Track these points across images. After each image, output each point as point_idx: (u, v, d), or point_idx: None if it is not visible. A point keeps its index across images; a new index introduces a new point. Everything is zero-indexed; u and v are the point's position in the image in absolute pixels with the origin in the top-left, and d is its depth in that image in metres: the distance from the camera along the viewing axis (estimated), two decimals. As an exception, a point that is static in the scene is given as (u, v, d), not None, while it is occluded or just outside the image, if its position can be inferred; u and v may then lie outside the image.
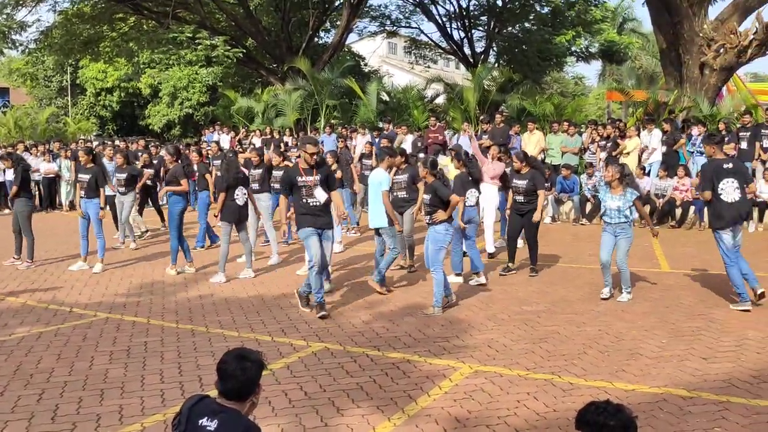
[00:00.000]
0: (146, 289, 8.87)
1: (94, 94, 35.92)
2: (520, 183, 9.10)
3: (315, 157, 7.47)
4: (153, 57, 28.42)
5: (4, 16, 21.88)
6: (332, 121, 20.53)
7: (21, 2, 21.65)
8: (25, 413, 4.88)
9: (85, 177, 9.98)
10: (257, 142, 18.33)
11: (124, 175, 11.69)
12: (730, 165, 7.58)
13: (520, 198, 9.17)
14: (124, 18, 24.17)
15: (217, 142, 17.25)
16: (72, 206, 16.94)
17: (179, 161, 10.39)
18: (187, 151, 15.73)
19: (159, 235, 13.31)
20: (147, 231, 13.14)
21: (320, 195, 7.38)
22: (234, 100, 24.20)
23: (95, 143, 21.08)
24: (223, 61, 24.49)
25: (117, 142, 19.93)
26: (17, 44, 23.98)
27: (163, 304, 8.06)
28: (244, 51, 24.77)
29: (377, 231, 8.55)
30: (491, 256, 10.49)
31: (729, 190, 7.39)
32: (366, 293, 8.44)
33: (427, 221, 7.65)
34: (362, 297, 8.25)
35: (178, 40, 22.73)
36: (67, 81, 37.32)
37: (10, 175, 13.08)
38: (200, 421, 2.79)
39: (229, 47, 23.17)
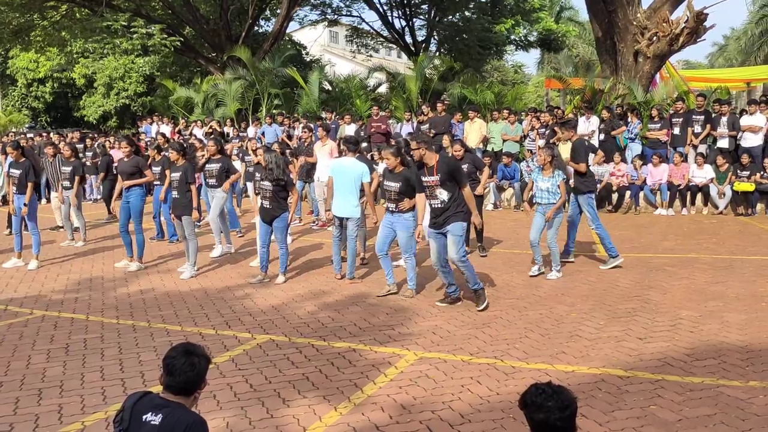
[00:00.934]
0: (85, 285, 8.65)
1: (26, 85, 34.59)
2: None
3: (419, 153, 7.06)
4: (87, 46, 27.49)
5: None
6: (273, 111, 20.32)
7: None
8: (-42, 417, 4.72)
9: (16, 172, 9.64)
10: (198, 133, 18.05)
11: (69, 169, 11.17)
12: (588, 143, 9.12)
13: None
14: (55, 6, 23.38)
15: (163, 134, 16.90)
16: (5, 201, 16.36)
17: (138, 153, 10.22)
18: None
19: (98, 228, 12.98)
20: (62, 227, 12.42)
21: (441, 194, 6.99)
22: (172, 90, 23.72)
23: (29, 135, 20.31)
24: (161, 50, 23.91)
25: (51, 135, 19.32)
26: (-59, 33, 22.98)
27: (102, 299, 7.88)
28: (182, 40, 24.28)
29: (341, 220, 8.49)
30: None
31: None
32: (311, 284, 8.43)
33: (392, 209, 7.64)
34: (308, 288, 8.24)
35: (113, 28, 22.09)
36: (-5, 71, 35.87)
37: None
38: (144, 417, 2.76)
39: (166, 36, 22.66)
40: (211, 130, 17.92)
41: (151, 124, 21.10)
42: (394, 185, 7.61)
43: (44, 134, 21.10)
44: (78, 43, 26.28)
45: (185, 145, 10.92)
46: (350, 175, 8.41)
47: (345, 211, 8.38)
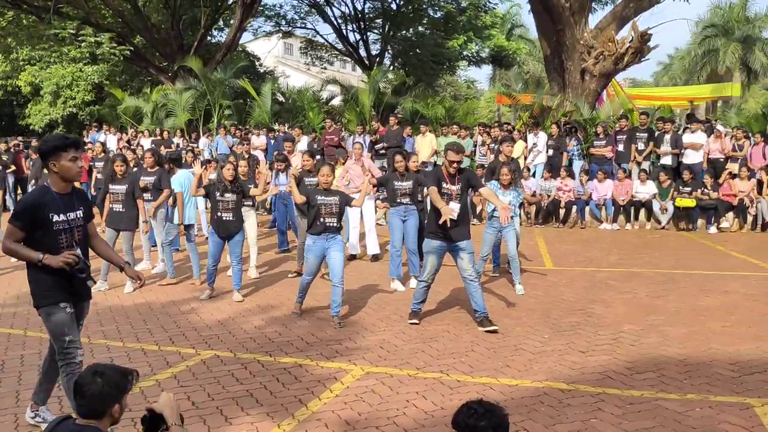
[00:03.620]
0: (24, 298, 8.35)
1: (-32, 92, 33.57)
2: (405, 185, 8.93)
3: (455, 164, 6.89)
4: (33, 54, 26.85)
5: None
6: (224, 123, 20.14)
7: None
8: None
9: None
10: (146, 143, 17.76)
11: None
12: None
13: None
14: (1, 12, 22.76)
15: (103, 143, 16.55)
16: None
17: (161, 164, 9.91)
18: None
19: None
20: None
21: (455, 207, 6.79)
22: (121, 100, 23.32)
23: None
24: (110, 59, 23.51)
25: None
26: None
27: (42, 314, 7.65)
28: (132, 48, 23.92)
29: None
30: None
31: None
32: (259, 298, 8.35)
33: (335, 225, 7.38)
34: (256, 302, 8.16)
35: (61, 36, 21.66)
36: (-64, 78, 34.72)
37: None
38: None
39: (116, 44, 22.29)
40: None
41: (97, 132, 20.67)
42: (330, 200, 7.31)
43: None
44: (24, 50, 25.68)
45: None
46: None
47: None
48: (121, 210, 8.82)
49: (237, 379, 5.56)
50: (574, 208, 14.38)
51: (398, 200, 8.79)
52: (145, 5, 26.64)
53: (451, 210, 6.63)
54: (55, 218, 4.25)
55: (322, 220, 7.22)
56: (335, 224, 7.30)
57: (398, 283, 8.83)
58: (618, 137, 14.89)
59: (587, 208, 14.34)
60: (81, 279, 4.30)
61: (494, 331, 6.74)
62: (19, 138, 23.03)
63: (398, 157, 8.98)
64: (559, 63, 18.57)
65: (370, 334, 6.83)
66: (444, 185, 6.93)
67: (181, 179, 9.53)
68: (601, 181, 14.23)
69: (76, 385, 2.72)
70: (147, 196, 9.55)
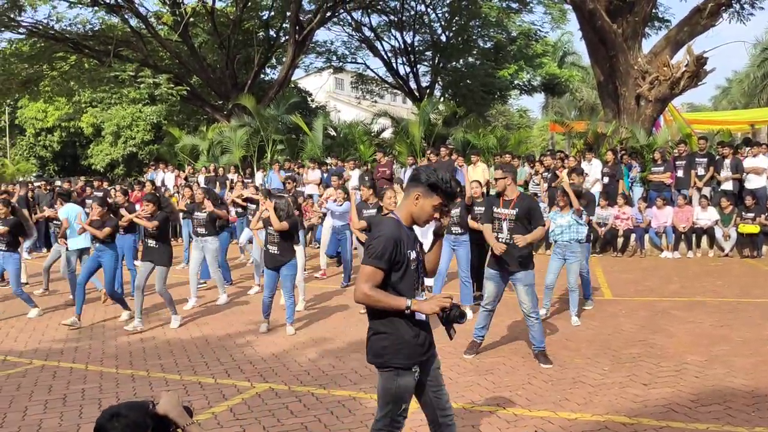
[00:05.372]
0: (85, 333, 8.60)
1: (34, 134, 35.11)
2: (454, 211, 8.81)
3: (495, 182, 6.86)
4: (94, 96, 27.96)
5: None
6: (278, 158, 20.47)
7: (-45, 42, 21.19)
8: (-49, 470, 4.65)
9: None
10: (202, 180, 18.17)
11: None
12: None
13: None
14: (64, 57, 23.80)
15: (152, 181, 17.00)
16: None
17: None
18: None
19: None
20: None
21: (505, 228, 6.70)
22: (179, 138, 23.97)
23: (36, 184, 20.48)
24: (167, 99, 24.28)
25: (57, 182, 19.48)
26: (-47, 85, 23.41)
27: (102, 348, 7.83)
28: (189, 88, 24.63)
29: None
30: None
31: None
32: (312, 331, 8.36)
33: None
34: (309, 335, 8.17)
35: (120, 78, 22.45)
36: (5, 121, 36.43)
37: None
38: None
39: (173, 85, 23.00)
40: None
41: (155, 171, 21.27)
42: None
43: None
44: (86, 93, 26.74)
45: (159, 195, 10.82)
46: None
47: None
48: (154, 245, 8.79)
49: (292, 412, 5.54)
50: (633, 236, 14.04)
51: (449, 229, 8.77)
52: (201, 46, 27.53)
53: (501, 247, 6.61)
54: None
55: None
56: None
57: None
58: (677, 163, 14.55)
59: (646, 236, 13.99)
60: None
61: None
62: (82, 178, 23.87)
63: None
64: (613, 89, 18.33)
65: (425, 366, 6.74)
66: (495, 209, 6.88)
67: (68, 211, 10.43)
68: (660, 208, 13.88)
69: (97, 431, 2.58)
70: (201, 230, 10.07)
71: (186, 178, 19.34)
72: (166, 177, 20.05)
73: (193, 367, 6.98)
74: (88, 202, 15.41)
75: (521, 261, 6.71)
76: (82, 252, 10.34)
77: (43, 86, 24.63)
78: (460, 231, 8.74)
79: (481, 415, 5.37)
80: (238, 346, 7.74)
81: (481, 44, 31.48)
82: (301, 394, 5.98)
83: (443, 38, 30.97)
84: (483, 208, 8.09)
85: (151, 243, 8.72)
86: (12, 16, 21.06)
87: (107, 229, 8.93)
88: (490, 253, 6.95)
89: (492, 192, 15.57)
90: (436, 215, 3.62)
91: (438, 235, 3.81)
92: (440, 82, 32.48)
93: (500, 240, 6.78)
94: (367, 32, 31.02)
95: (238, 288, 11.39)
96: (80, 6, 22.67)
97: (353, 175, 16.04)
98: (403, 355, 3.57)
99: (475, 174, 15.36)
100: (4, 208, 9.46)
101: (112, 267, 9.10)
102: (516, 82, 32.93)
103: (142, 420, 2.60)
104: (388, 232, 3.54)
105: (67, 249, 10.45)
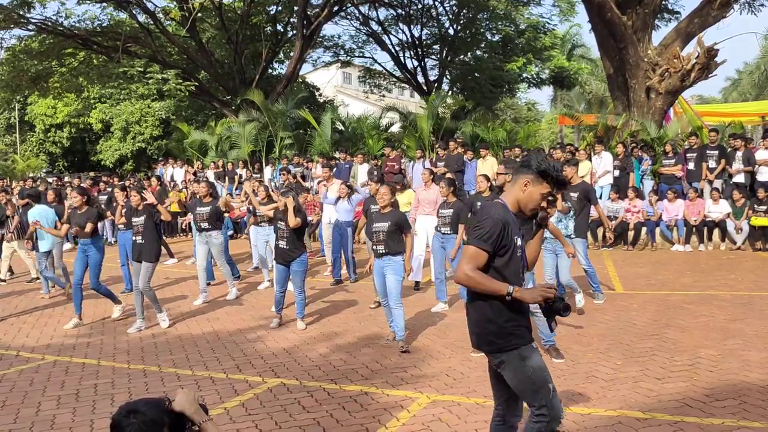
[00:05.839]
0: (97, 329, 8.63)
1: (44, 131, 35.20)
2: (446, 213, 8.77)
3: (503, 178, 6.79)
4: (103, 92, 28.03)
5: (-52, 54, 21.44)
6: (288, 153, 20.47)
7: (-35, 40, 21.26)
8: (-35, 466, 4.67)
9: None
10: (210, 175, 18.18)
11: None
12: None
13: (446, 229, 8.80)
14: (73, 53, 23.84)
15: (159, 177, 17.02)
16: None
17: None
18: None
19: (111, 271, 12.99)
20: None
21: None
22: (187, 134, 24.01)
23: (49, 180, 20.60)
24: (176, 95, 24.29)
25: (66, 179, 19.54)
26: (-38, 82, 23.51)
27: (114, 344, 7.85)
28: (197, 84, 24.65)
29: None
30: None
31: None
32: (323, 326, 8.36)
33: (381, 251, 7.42)
34: (320, 330, 8.17)
35: (129, 74, 22.51)
36: (14, 118, 36.56)
37: None
38: None
39: (181, 80, 23.02)
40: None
41: (164, 166, 21.34)
42: (384, 225, 7.36)
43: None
44: (95, 89, 26.80)
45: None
46: None
47: None
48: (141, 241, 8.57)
49: (304, 408, 5.54)
50: (644, 229, 13.96)
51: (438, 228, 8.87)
52: (208, 42, 27.53)
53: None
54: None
55: (374, 246, 7.46)
56: (382, 250, 7.32)
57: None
58: (687, 155, 14.45)
59: (657, 230, 13.91)
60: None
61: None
62: (91, 173, 23.96)
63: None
64: (623, 81, 18.20)
65: (435, 361, 6.73)
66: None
67: (37, 213, 10.50)
68: (671, 201, 13.80)
69: (113, 428, 2.57)
70: (205, 225, 10.03)
71: (195, 173, 19.37)
72: (175, 172, 20.10)
73: (205, 362, 6.98)
74: (102, 198, 15.53)
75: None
76: (48, 254, 10.51)
77: (53, 82, 24.68)
78: (449, 231, 8.69)
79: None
80: (249, 341, 7.74)
81: (489, 37, 31.34)
82: (313, 390, 5.98)
83: (451, 31, 30.85)
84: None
85: (138, 239, 8.50)
86: (21, 12, 21.11)
87: (90, 226, 8.70)
88: None
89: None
90: (543, 204, 3.57)
91: (540, 226, 3.76)
92: (448, 76, 32.38)
93: None
94: (375, 26, 30.95)
95: (246, 283, 11.40)
96: (89, 2, 22.69)
97: (361, 170, 16.00)
98: (514, 335, 3.48)
99: (485, 168, 15.34)
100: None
101: (98, 262, 8.88)
102: (524, 75, 32.74)
103: (159, 417, 2.59)
104: (496, 215, 3.45)
105: (36, 251, 10.41)
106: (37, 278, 11.70)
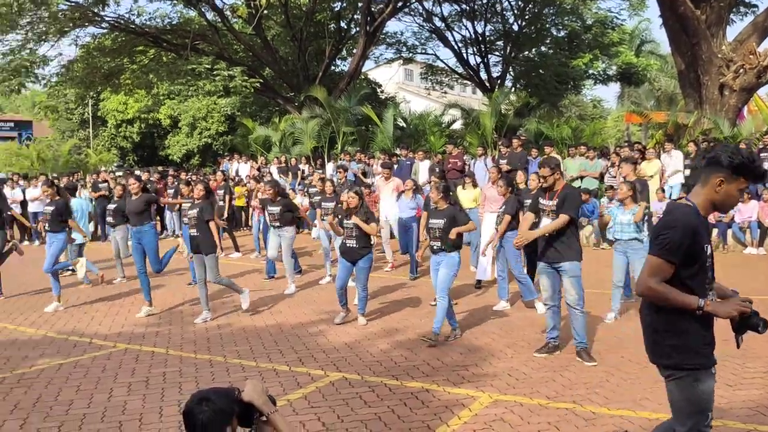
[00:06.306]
0: (165, 319, 8.87)
1: (115, 126, 36.38)
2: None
3: (543, 180, 6.78)
4: (172, 88, 28.76)
5: (27, 51, 22.32)
6: (349, 149, 20.61)
7: (43, 37, 22.08)
8: (43, 447, 4.87)
9: (48, 209, 9.85)
10: (274, 170, 18.44)
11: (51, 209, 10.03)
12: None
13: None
14: (144, 50, 24.54)
15: (224, 172, 17.38)
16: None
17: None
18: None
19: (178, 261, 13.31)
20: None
21: (545, 223, 6.67)
22: (252, 129, 24.44)
23: (118, 174, 21.29)
24: (241, 91, 24.74)
25: (137, 172, 20.12)
26: (40, 78, 24.45)
27: (181, 334, 8.06)
28: (262, 80, 25.04)
29: None
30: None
31: None
32: (385, 322, 8.39)
33: (437, 247, 7.49)
34: (381, 326, 8.20)
35: (197, 71, 23.01)
36: (88, 113, 37.90)
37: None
38: None
39: (247, 77, 23.44)
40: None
41: (229, 162, 21.77)
42: (439, 222, 7.46)
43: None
44: (164, 86, 27.53)
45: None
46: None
47: None
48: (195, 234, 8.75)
49: (365, 402, 5.57)
50: (716, 231, 13.51)
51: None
52: (273, 39, 27.94)
53: (522, 238, 6.71)
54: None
55: (431, 242, 7.57)
56: (438, 246, 7.43)
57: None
58: (762, 155, 13.91)
59: (729, 231, 13.44)
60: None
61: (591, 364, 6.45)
62: (159, 168, 24.65)
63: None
64: (695, 78, 17.66)
65: (497, 360, 6.67)
66: (541, 200, 6.84)
67: (76, 205, 11.18)
68: (744, 202, 13.31)
69: (186, 415, 2.64)
70: (277, 224, 10.36)
71: (259, 169, 19.70)
72: (240, 167, 20.48)
73: (268, 354, 7.10)
74: (170, 192, 15.96)
75: (565, 252, 6.53)
76: (81, 246, 11.11)
77: (124, 79, 25.45)
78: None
79: (557, 412, 5.27)
80: (311, 334, 7.83)
81: (555, 33, 30.84)
82: (374, 385, 6.01)
83: (515, 27, 30.48)
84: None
85: (193, 232, 8.69)
86: (96, 11, 21.85)
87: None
88: (539, 245, 6.79)
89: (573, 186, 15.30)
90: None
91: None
92: (512, 72, 32.01)
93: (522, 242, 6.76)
94: (438, 22, 30.84)
95: (308, 278, 11.52)
96: (160, 0, 23.31)
97: (423, 167, 15.95)
98: (698, 354, 3.22)
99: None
100: (49, 190, 9.97)
101: (153, 245, 9.20)
102: (590, 71, 32.10)
103: (229, 406, 2.67)
104: (684, 222, 3.16)
105: (72, 242, 10.51)
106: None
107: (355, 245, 8.17)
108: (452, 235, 7.37)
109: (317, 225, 11.76)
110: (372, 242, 8.54)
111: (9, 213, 11.73)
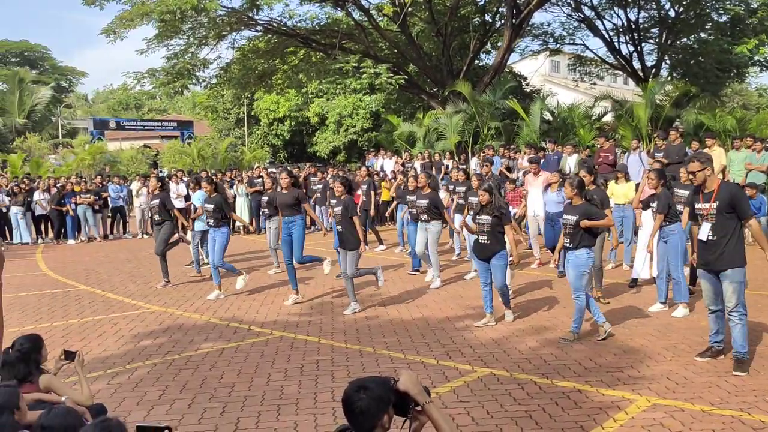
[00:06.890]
0: (316, 309, 9.20)
1: (268, 124, 38.25)
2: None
3: (693, 176, 6.26)
4: (321, 87, 29.76)
5: (189, 55, 23.94)
6: (493, 144, 20.38)
7: (204, 42, 23.59)
8: (210, 425, 5.20)
9: (209, 206, 10.22)
10: (417, 166, 18.59)
11: (211, 206, 10.23)
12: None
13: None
14: (294, 51, 25.59)
15: (368, 167, 17.73)
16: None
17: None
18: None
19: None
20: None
21: (705, 228, 6.16)
22: (396, 125, 24.79)
23: (270, 170, 22.37)
24: (386, 88, 25.16)
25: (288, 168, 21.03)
26: (201, 80, 26.21)
27: (332, 324, 8.33)
28: (406, 77, 25.31)
29: None
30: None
31: None
32: (532, 320, 8.23)
33: (569, 244, 7.23)
34: (529, 323, 8.05)
35: (344, 69, 23.67)
36: (243, 113, 40.10)
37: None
38: None
39: (392, 74, 23.80)
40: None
41: (375, 157, 22.21)
42: (572, 218, 7.17)
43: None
44: (313, 84, 28.54)
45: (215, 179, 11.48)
46: None
47: None
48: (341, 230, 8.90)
49: (515, 399, 5.49)
50: None
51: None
52: (418, 35, 28.14)
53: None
54: None
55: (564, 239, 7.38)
56: (569, 244, 7.24)
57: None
58: None
59: None
60: None
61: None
62: (308, 164, 25.64)
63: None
64: None
65: (654, 363, 6.35)
66: (696, 205, 6.23)
67: (196, 198, 12.45)
68: None
69: (345, 402, 2.73)
70: (424, 217, 10.41)
71: (403, 164, 19.94)
72: (385, 163, 20.84)
73: (416, 347, 7.17)
74: (316, 188, 16.53)
75: (727, 258, 5.97)
76: (203, 233, 11.66)
77: (276, 79, 26.66)
78: (665, 224, 8.20)
79: (721, 419, 4.94)
80: (458, 329, 7.83)
81: (716, 18, 28.75)
82: (523, 382, 5.91)
83: (671, 13, 28.74)
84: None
85: (339, 228, 8.87)
86: (251, 15, 23.04)
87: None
88: (697, 250, 6.31)
89: (729, 179, 14.27)
90: None
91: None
92: (667, 61, 30.24)
93: (705, 239, 6.08)
94: (587, 11, 29.69)
95: (454, 273, 11.52)
96: (310, 2, 24.20)
97: (571, 161, 15.47)
98: None
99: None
100: (209, 186, 10.43)
101: (300, 237, 9.62)
102: (756, 58, 29.67)
103: (385, 394, 2.74)
104: None
105: (192, 230, 11.89)
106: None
107: (486, 241, 7.94)
108: (583, 225, 7.13)
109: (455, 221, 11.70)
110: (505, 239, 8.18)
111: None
